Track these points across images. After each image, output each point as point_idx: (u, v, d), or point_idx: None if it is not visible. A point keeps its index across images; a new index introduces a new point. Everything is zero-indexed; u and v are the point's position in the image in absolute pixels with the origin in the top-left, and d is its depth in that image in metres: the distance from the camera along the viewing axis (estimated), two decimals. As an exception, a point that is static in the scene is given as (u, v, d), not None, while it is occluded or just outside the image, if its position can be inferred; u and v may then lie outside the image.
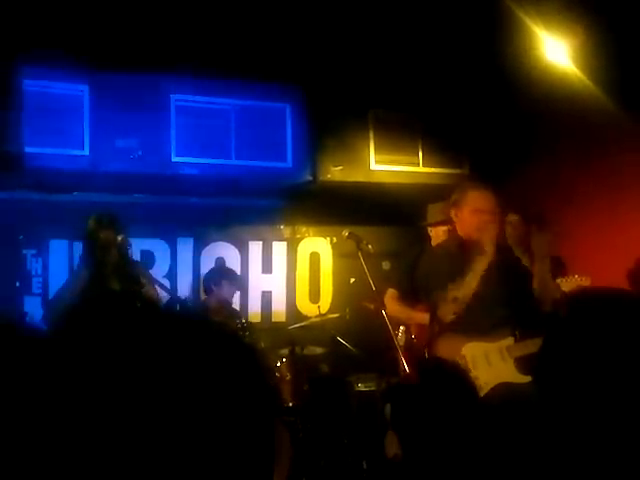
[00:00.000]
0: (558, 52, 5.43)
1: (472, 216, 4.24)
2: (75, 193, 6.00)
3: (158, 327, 0.94)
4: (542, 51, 5.46)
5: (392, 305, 5.05)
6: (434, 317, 4.29)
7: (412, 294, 4.94)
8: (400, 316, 5.12)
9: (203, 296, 6.07)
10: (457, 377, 2.46)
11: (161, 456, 0.85)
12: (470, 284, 4.07)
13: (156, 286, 5.20)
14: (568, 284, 4.79)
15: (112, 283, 4.89)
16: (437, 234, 4.99)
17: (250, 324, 5.70)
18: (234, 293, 6.02)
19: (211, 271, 6.14)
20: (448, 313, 4.08)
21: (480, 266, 4.09)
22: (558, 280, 4.75)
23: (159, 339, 0.92)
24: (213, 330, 0.97)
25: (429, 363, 3.67)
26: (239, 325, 5.39)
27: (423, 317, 4.80)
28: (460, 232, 4.33)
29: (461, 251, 4.27)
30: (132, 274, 4.90)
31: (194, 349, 0.92)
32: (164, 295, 5.41)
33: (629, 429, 1.20)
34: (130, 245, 4.88)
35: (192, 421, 0.86)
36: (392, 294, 5.22)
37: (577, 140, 5.93)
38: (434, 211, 5.02)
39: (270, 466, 0.93)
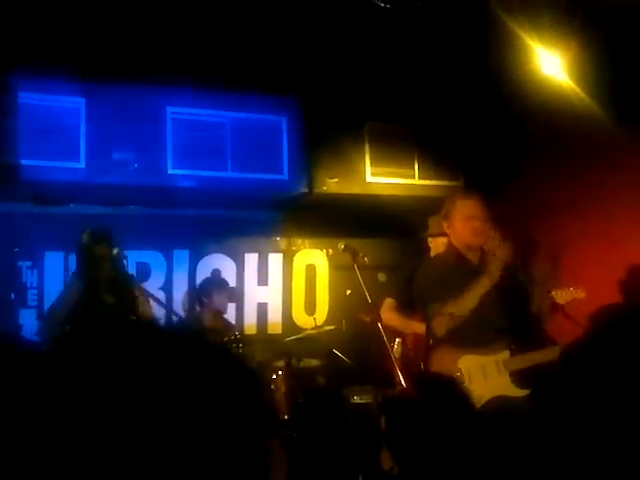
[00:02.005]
0: (553, 65, 5.45)
1: (464, 224, 4.25)
2: (71, 205, 6.00)
3: (152, 343, 0.94)
4: (537, 64, 5.48)
5: (389, 314, 5.07)
6: (429, 329, 4.29)
7: (410, 304, 4.95)
8: (397, 325, 5.13)
9: (197, 309, 6.07)
10: (453, 391, 2.46)
11: (155, 472, 0.85)
12: (469, 302, 4.05)
13: (149, 299, 5.21)
14: (563, 296, 4.78)
15: (105, 296, 4.91)
16: (437, 245, 5.00)
17: (245, 336, 5.68)
18: (226, 302, 5.98)
19: (200, 283, 6.14)
20: (442, 327, 4.07)
21: (482, 287, 4.07)
22: (552, 292, 4.75)
23: (153, 355, 0.92)
24: (207, 346, 0.97)
25: (426, 377, 3.66)
26: (233, 337, 5.37)
27: (420, 327, 4.80)
28: (455, 243, 4.33)
29: (458, 263, 4.27)
30: (125, 287, 4.91)
31: (187, 365, 0.92)
32: (157, 308, 5.42)
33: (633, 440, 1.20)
34: (125, 258, 4.89)
35: (185, 437, 0.87)
36: (390, 303, 5.23)
37: (572, 153, 5.95)
38: (435, 223, 5.03)
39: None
